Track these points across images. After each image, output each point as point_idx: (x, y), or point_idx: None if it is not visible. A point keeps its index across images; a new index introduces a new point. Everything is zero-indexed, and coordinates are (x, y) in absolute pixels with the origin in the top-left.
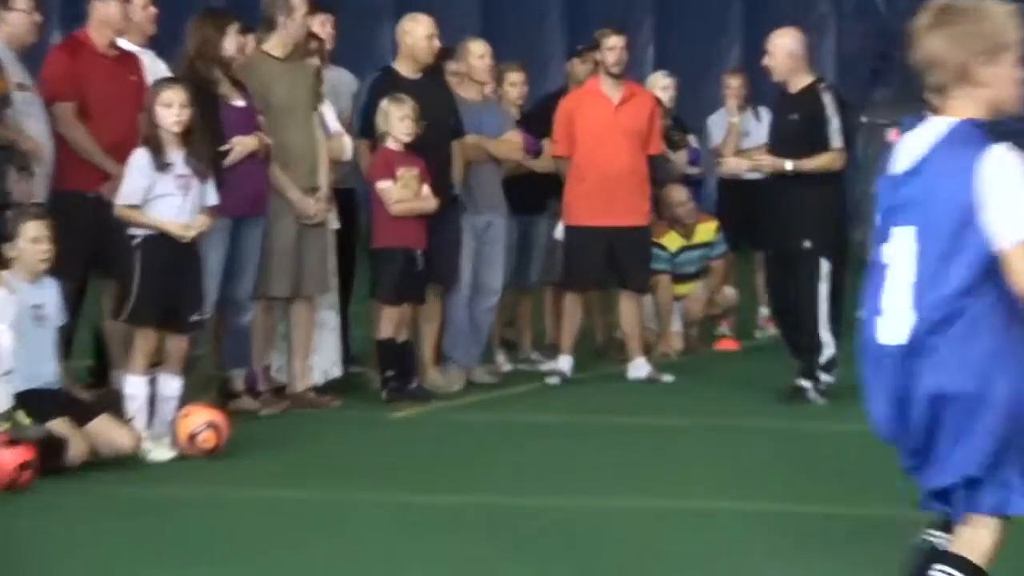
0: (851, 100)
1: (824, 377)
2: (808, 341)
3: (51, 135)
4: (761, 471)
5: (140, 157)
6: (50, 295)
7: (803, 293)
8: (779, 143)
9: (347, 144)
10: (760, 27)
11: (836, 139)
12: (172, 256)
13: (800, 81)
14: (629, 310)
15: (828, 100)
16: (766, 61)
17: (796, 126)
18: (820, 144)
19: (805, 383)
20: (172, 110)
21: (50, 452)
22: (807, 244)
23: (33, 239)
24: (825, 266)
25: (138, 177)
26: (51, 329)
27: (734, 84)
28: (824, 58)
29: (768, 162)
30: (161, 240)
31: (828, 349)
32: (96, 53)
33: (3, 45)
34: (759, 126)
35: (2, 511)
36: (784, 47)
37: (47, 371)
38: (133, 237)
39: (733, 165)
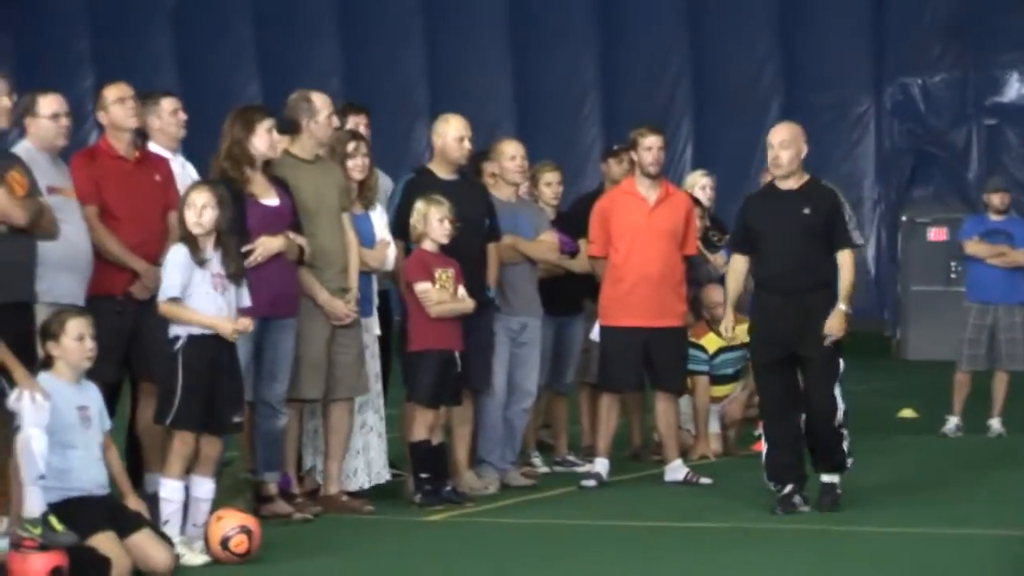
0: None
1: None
2: (830, 433)
3: (88, 237)
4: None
5: (178, 251)
6: (93, 397)
7: (823, 392)
8: (793, 238)
9: (391, 254)
10: (800, 125)
11: (857, 235)
12: (213, 358)
13: (799, 178)
14: (665, 411)
15: (840, 194)
16: (773, 154)
17: (812, 220)
18: (839, 240)
19: (834, 479)
20: (193, 211)
21: (93, 571)
22: (828, 345)
23: (78, 337)
24: (841, 364)
25: (177, 270)
26: (97, 431)
27: None
28: (864, 156)
29: (836, 324)
30: (203, 342)
31: (847, 441)
32: (114, 157)
33: (35, 148)
34: None
35: None
36: (798, 144)
37: (95, 474)
38: (174, 340)
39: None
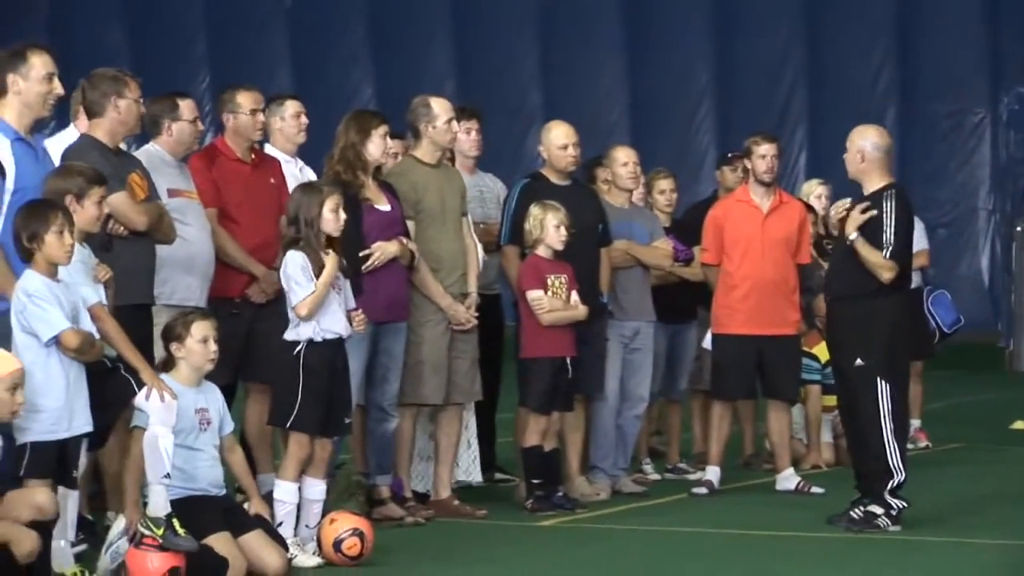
0: (913, 210)
1: (895, 502)
2: (875, 466)
3: (210, 240)
4: None
5: (298, 258)
6: (212, 399)
7: (867, 415)
8: (837, 243)
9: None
10: (915, 135)
11: (885, 251)
12: (331, 361)
13: (873, 183)
14: (778, 420)
15: (889, 207)
16: (845, 156)
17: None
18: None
19: (877, 509)
20: (339, 214)
21: (211, 571)
22: (859, 362)
23: (202, 339)
24: (884, 386)
25: (303, 273)
26: (214, 434)
27: None
28: (979, 165)
29: (840, 210)
30: (322, 346)
31: (898, 475)
32: (232, 159)
33: (166, 152)
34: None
35: None
36: (857, 145)
37: (213, 476)
38: (293, 344)
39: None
